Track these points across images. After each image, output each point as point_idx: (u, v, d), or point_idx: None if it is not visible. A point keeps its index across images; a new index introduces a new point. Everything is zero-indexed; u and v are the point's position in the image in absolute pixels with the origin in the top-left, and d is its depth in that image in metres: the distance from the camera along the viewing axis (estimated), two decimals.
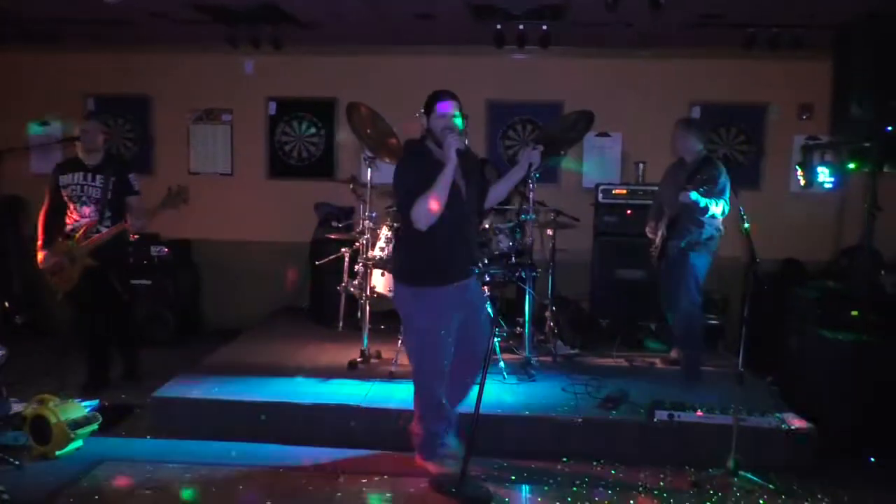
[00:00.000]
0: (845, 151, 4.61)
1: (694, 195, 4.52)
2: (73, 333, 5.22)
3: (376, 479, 3.77)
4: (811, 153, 4.87)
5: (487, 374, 3.49)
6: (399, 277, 3.65)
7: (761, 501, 3.59)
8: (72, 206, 4.82)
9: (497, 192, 3.88)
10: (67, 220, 4.83)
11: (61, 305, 4.93)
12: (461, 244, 3.56)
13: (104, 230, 4.76)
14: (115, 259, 4.89)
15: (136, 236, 5.83)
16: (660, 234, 4.93)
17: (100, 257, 4.75)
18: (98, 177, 4.81)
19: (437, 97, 3.52)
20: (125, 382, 5.09)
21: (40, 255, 4.80)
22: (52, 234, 4.82)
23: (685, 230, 4.76)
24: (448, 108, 3.49)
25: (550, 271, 5.45)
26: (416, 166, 3.47)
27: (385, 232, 5.11)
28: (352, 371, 4.97)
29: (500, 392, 4.55)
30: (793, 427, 4.08)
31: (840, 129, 4.53)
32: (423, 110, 3.57)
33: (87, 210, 4.80)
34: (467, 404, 3.72)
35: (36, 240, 4.84)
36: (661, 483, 3.79)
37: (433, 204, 3.33)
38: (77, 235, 4.74)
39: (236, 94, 7.07)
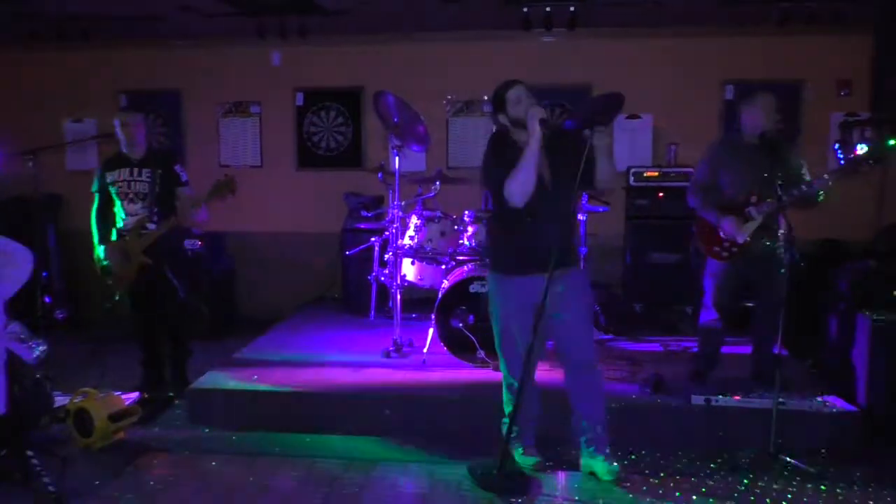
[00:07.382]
0: (886, 128, 4.48)
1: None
2: (132, 333, 5.08)
3: (412, 466, 3.80)
4: (850, 130, 4.73)
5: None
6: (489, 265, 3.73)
7: (802, 485, 3.52)
8: (121, 203, 4.70)
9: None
10: (119, 217, 4.73)
11: (112, 303, 4.81)
12: (543, 236, 3.35)
13: (152, 227, 4.61)
14: (170, 254, 4.75)
15: (200, 243, 5.81)
16: (746, 231, 4.09)
17: (154, 254, 4.62)
18: (145, 171, 4.67)
19: (507, 87, 3.44)
20: (174, 383, 4.93)
21: (99, 250, 4.72)
22: (106, 229, 4.76)
23: (781, 227, 4.05)
24: (521, 92, 3.42)
25: (582, 256, 5.40)
26: (498, 149, 3.45)
27: (414, 220, 5.10)
28: (385, 360, 4.99)
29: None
30: (835, 410, 4.00)
31: (881, 104, 4.40)
32: (492, 109, 3.51)
33: (135, 206, 4.66)
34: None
35: (92, 236, 4.76)
36: (699, 467, 3.75)
37: (521, 177, 3.26)
38: (129, 233, 4.66)
39: (264, 86, 7.10)
